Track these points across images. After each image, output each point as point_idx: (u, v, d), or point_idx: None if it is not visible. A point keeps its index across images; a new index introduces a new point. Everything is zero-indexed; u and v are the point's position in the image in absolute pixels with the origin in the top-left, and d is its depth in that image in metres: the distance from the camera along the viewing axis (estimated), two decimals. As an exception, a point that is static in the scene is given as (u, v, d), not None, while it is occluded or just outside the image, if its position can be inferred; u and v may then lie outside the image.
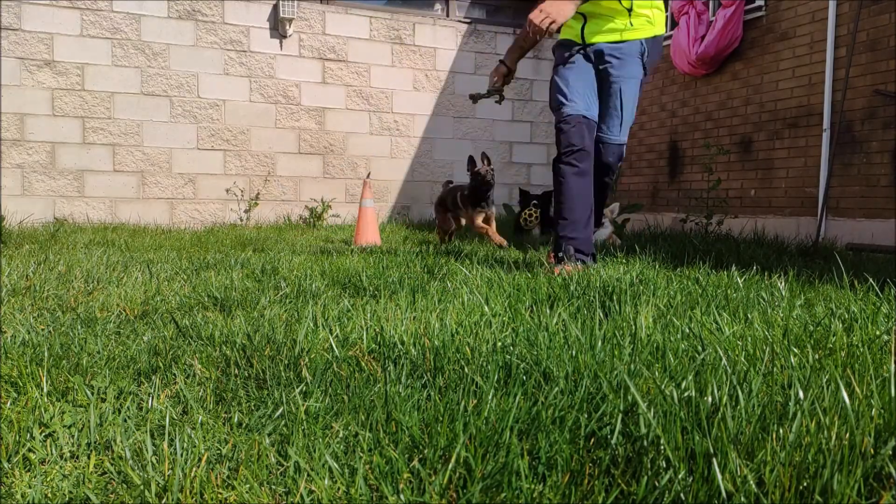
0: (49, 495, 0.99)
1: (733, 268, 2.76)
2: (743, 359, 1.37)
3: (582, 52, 3.03)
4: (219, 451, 1.09)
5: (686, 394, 1.12)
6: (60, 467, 1.07)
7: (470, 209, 4.32)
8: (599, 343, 1.49)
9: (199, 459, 1.04)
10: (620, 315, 1.88)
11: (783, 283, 2.39)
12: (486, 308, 1.94)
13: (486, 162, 4.29)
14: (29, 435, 1.15)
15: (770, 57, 5.83)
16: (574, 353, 1.41)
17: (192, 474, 0.98)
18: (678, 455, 0.93)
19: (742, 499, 0.86)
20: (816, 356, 1.38)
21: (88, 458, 1.09)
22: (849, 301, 2.04)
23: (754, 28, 5.99)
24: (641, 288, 2.24)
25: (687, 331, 1.61)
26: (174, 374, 1.45)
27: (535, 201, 5.86)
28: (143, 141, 6.76)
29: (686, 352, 1.45)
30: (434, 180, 7.84)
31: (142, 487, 0.96)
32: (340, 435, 1.12)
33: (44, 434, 1.17)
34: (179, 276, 2.87)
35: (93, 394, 1.32)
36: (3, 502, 0.97)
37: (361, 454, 1.05)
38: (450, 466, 0.96)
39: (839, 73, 5.18)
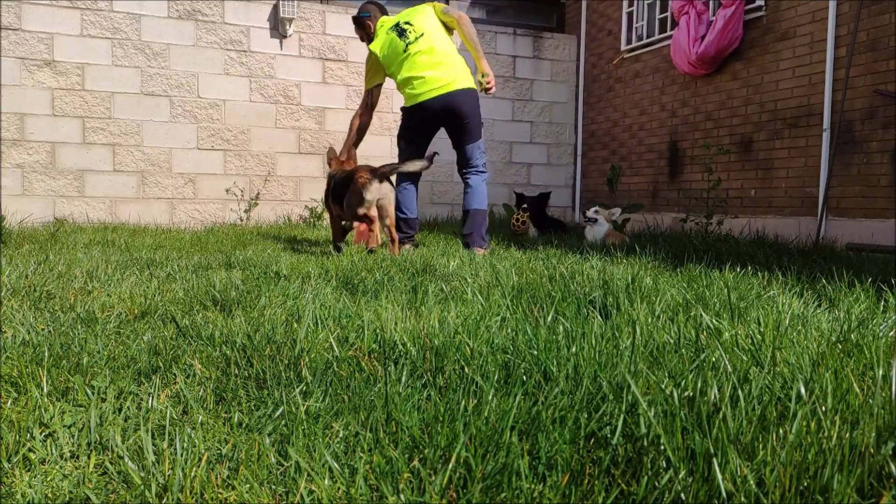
0: (49, 495, 0.99)
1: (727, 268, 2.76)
2: (744, 357, 1.37)
3: None
4: (219, 451, 1.09)
5: (686, 393, 1.12)
6: (60, 467, 1.07)
7: None
8: (600, 343, 1.48)
9: (200, 459, 1.04)
10: (620, 314, 1.88)
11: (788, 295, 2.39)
12: (487, 307, 1.94)
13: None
14: (29, 435, 1.15)
15: (770, 57, 5.82)
16: (574, 352, 1.41)
17: (193, 474, 0.98)
18: (678, 455, 0.93)
19: (742, 499, 0.86)
20: (818, 349, 1.38)
21: (88, 458, 1.09)
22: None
23: (754, 28, 5.98)
24: (646, 280, 2.24)
25: (687, 329, 1.61)
26: (174, 374, 1.45)
27: (524, 205, 5.98)
28: (143, 141, 6.75)
29: (687, 346, 1.45)
30: (434, 180, 7.83)
31: (142, 487, 0.96)
32: (340, 435, 1.12)
33: (44, 434, 1.17)
34: (179, 275, 2.87)
35: (93, 394, 1.32)
36: (3, 502, 0.97)
37: (361, 454, 1.05)
38: (450, 466, 0.96)
39: (839, 73, 5.18)
